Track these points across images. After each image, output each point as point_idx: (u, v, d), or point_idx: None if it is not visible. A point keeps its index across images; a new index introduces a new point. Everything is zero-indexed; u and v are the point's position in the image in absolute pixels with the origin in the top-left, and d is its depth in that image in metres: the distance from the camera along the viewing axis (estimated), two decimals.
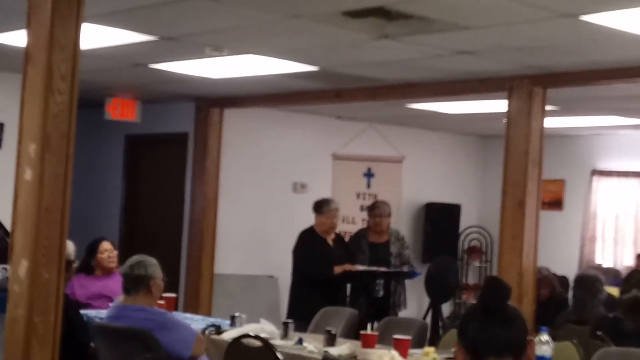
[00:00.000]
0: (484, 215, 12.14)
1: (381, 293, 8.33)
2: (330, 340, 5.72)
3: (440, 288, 10.35)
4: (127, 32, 6.26)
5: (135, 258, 5.47)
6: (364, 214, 10.08)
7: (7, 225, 4.98)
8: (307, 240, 8.34)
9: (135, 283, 5.37)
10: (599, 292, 6.92)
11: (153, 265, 5.43)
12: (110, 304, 5.75)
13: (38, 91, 4.44)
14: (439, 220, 11.67)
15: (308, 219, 8.50)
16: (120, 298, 5.50)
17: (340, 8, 5.28)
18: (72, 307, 5.44)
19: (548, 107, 7.34)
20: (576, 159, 11.51)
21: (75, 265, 6.05)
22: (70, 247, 5.66)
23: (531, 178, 7.08)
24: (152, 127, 10.23)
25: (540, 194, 7.20)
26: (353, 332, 6.79)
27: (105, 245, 7.30)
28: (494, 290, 2.51)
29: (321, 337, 5.89)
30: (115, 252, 7.32)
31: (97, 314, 6.33)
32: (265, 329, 5.97)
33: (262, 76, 7.83)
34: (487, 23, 5.50)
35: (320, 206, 8.43)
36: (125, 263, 5.53)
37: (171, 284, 6.49)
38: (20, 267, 4.44)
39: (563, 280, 9.31)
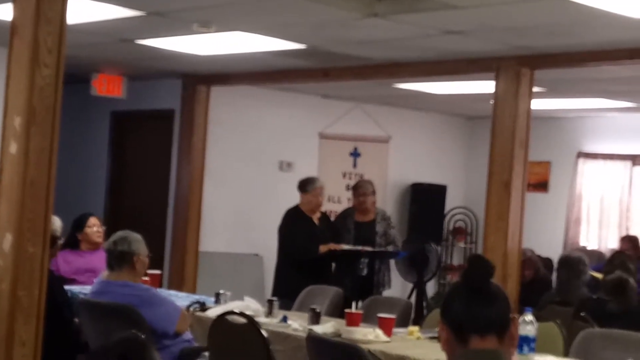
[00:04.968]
0: (470, 196, 12.16)
1: (365, 272, 8.33)
2: (315, 319, 5.72)
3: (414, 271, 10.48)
4: (114, 7, 6.22)
5: (119, 234, 5.46)
6: (350, 194, 10.09)
7: None
8: (292, 219, 8.33)
9: (118, 259, 5.36)
10: (582, 273, 6.94)
11: (137, 242, 5.42)
12: (95, 280, 5.74)
13: (24, 64, 4.43)
14: (425, 201, 11.66)
15: (294, 197, 8.49)
16: (104, 273, 5.49)
17: None
18: (56, 282, 5.42)
19: (535, 89, 7.34)
20: (562, 141, 11.53)
21: (60, 242, 6.04)
22: (57, 222, 5.65)
23: (517, 159, 7.09)
24: (138, 104, 10.18)
25: (526, 175, 7.22)
26: (338, 310, 6.80)
27: (94, 220, 7.33)
28: (478, 268, 2.51)
29: (306, 315, 5.90)
30: (103, 228, 7.33)
31: (81, 289, 6.31)
32: (250, 306, 5.97)
33: (250, 54, 7.80)
34: (476, 3, 5.48)
35: (305, 185, 8.42)
36: (109, 239, 5.52)
37: (156, 261, 6.48)
38: (4, 241, 4.43)
39: (547, 262, 9.35)
